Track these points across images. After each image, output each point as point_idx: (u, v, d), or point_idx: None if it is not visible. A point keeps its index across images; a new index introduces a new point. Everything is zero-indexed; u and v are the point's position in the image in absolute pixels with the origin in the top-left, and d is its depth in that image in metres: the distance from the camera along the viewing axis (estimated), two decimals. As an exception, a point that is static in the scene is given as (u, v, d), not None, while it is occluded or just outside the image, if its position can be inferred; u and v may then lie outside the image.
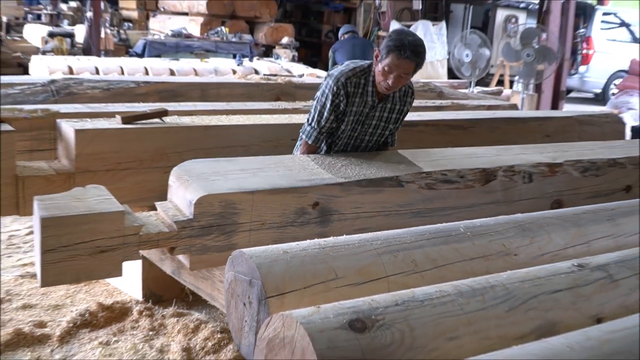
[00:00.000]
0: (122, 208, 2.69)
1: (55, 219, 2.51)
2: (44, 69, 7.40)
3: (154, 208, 3.63)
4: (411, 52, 3.22)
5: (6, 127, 3.25)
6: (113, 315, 3.72)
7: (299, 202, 2.96)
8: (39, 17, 17.37)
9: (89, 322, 3.61)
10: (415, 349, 1.81)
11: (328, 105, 3.39)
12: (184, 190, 2.87)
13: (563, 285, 2.15)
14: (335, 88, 3.36)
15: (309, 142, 3.52)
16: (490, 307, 1.99)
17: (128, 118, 3.66)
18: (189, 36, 12.66)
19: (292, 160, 3.33)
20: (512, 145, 4.15)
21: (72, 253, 2.61)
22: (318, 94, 3.49)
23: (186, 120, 3.87)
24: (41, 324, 3.56)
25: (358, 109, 3.44)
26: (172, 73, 7.68)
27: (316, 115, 3.45)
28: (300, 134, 3.61)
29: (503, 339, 1.93)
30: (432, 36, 13.23)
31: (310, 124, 3.50)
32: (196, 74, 7.81)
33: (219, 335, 3.52)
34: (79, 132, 3.39)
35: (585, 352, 1.68)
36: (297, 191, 2.95)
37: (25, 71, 9.08)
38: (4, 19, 14.51)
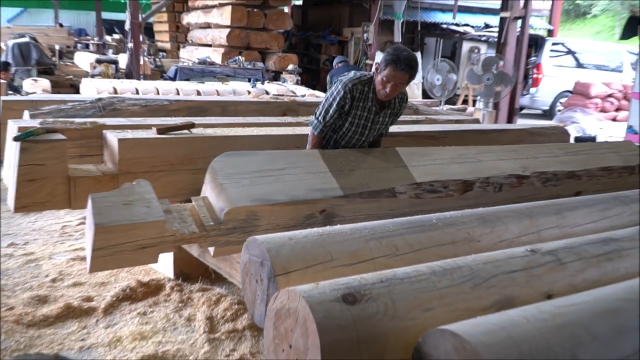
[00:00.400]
0: (163, 217, 2.68)
1: (107, 227, 2.52)
2: (93, 89, 7.38)
3: (186, 201, 3.64)
4: (405, 65, 3.22)
5: (59, 136, 3.24)
6: (149, 290, 3.71)
7: (309, 209, 2.96)
8: (87, 46, 17.36)
9: (129, 296, 3.60)
10: (397, 318, 1.80)
11: (334, 105, 3.40)
12: (217, 196, 2.87)
13: (518, 267, 2.14)
14: (342, 92, 3.37)
15: (315, 133, 3.52)
16: (458, 284, 1.98)
17: (162, 129, 3.65)
18: (212, 64, 12.62)
19: (308, 160, 3.24)
20: (493, 147, 4.08)
21: (118, 249, 2.62)
22: (327, 94, 3.51)
23: (210, 132, 3.86)
24: (88, 299, 3.55)
25: (363, 114, 3.45)
26: (198, 93, 7.64)
27: (323, 112, 3.46)
28: (309, 124, 3.61)
29: (469, 311, 1.92)
30: (410, 64, 13.19)
31: (317, 118, 3.50)
32: (218, 94, 7.78)
33: (236, 307, 3.51)
34: (121, 141, 3.37)
35: (538, 323, 1.66)
36: (309, 202, 2.96)
37: (76, 91, 9.06)
38: (57, 47, 14.48)
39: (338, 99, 3.39)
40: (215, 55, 13.47)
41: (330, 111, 3.42)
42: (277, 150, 3.92)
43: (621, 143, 4.71)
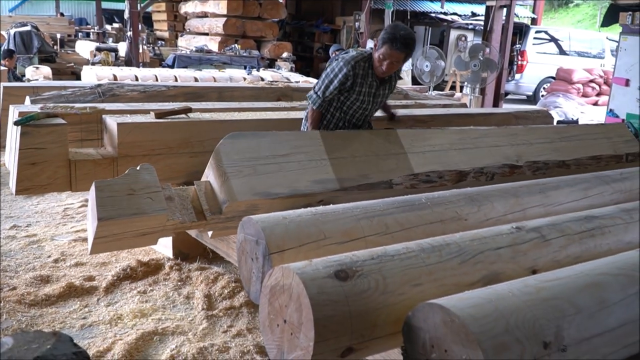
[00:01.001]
0: (166, 210, 2.64)
1: (109, 221, 2.49)
2: (93, 76, 7.30)
3: (182, 185, 3.61)
4: (401, 44, 3.15)
5: (60, 121, 3.19)
6: (149, 269, 3.69)
7: (308, 201, 2.90)
8: (88, 35, 17.20)
9: (130, 275, 3.58)
10: (387, 294, 1.78)
11: (335, 82, 3.31)
12: (220, 185, 2.81)
13: (504, 243, 2.12)
14: (345, 70, 3.27)
15: (314, 107, 3.43)
16: (446, 261, 1.96)
17: (160, 114, 3.61)
18: (209, 52, 12.52)
19: (312, 145, 3.13)
20: (492, 129, 3.97)
21: (120, 237, 2.61)
22: (328, 70, 3.40)
23: (206, 116, 3.82)
24: (90, 278, 3.53)
25: (367, 90, 3.37)
26: (196, 80, 7.58)
27: (323, 87, 3.37)
28: (308, 99, 3.52)
29: (457, 286, 1.90)
30: (400, 51, 13.11)
31: (316, 93, 3.41)
32: (215, 80, 7.72)
33: (233, 284, 3.49)
34: (120, 125, 3.33)
35: (524, 296, 1.65)
36: (308, 195, 2.90)
37: (77, 78, 8.99)
38: (58, 35, 14.33)
39: (340, 76, 3.29)
40: (212, 44, 13.37)
41: (331, 87, 3.33)
42: (271, 132, 3.92)
43: (614, 126, 4.60)
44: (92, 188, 2.56)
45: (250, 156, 2.90)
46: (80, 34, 17.65)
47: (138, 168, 2.70)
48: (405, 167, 3.30)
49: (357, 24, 13.76)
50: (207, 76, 7.87)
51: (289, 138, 3.11)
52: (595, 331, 1.68)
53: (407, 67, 12.94)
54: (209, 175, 2.92)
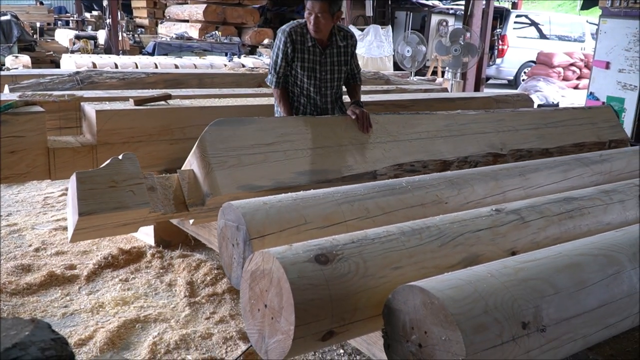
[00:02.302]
0: (148, 203, 2.61)
1: (91, 216, 2.46)
2: (72, 65, 7.18)
3: (163, 173, 3.57)
4: None
5: (38, 108, 3.14)
6: (131, 257, 3.65)
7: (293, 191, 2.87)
8: (67, 23, 16.95)
9: (111, 263, 3.54)
10: (368, 277, 1.78)
11: (279, 54, 3.25)
12: (204, 176, 2.76)
13: (484, 226, 2.13)
14: (282, 38, 3.23)
15: (273, 87, 3.35)
16: (426, 243, 1.96)
17: (139, 100, 3.56)
18: (189, 39, 12.38)
19: (298, 133, 3.07)
20: (481, 115, 3.90)
21: (101, 227, 2.59)
22: (273, 47, 3.36)
23: (186, 103, 3.77)
24: (71, 267, 3.49)
25: (308, 57, 3.28)
26: (176, 67, 7.49)
27: (272, 64, 3.31)
28: (267, 83, 3.44)
29: (437, 268, 1.90)
30: (381, 37, 13.06)
31: (270, 72, 3.35)
32: (196, 67, 7.64)
33: (215, 271, 3.47)
34: (99, 112, 3.28)
35: (502, 277, 1.65)
36: (292, 188, 2.80)
37: (57, 67, 8.85)
38: (38, 24, 14.10)
39: (280, 45, 3.24)
40: (193, 31, 13.23)
41: (278, 61, 3.27)
42: (259, 118, 3.87)
43: (600, 110, 4.59)
44: (73, 178, 2.51)
45: (236, 145, 2.85)
46: (59, 22, 17.40)
47: (121, 157, 2.64)
48: (390, 157, 3.26)
49: (338, 9, 13.67)
50: (188, 63, 7.78)
51: (275, 125, 3.07)
52: (575, 311, 1.69)
53: (389, 53, 12.95)
54: (193, 163, 2.87)
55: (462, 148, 3.54)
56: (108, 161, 2.63)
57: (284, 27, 3.27)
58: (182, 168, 2.96)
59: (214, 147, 2.80)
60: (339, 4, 3.22)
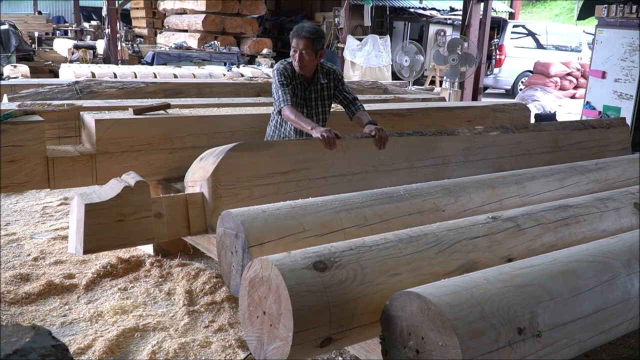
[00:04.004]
0: (153, 239, 2.67)
1: (94, 249, 2.54)
2: (71, 74, 7.22)
3: (162, 182, 3.59)
4: (305, 31, 3.25)
5: (37, 118, 3.16)
6: (130, 266, 3.66)
7: None
8: (65, 32, 17.01)
9: (110, 272, 3.55)
10: (365, 284, 1.80)
11: (283, 81, 3.30)
12: (213, 208, 2.73)
13: (481, 233, 2.15)
14: (277, 73, 3.34)
15: (288, 104, 3.22)
16: (423, 250, 1.98)
17: (139, 110, 3.59)
18: (188, 48, 12.44)
19: (314, 159, 3.00)
20: (499, 131, 3.76)
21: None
22: (273, 86, 3.39)
23: (185, 112, 3.80)
24: (70, 276, 3.49)
25: (298, 93, 3.39)
26: (175, 77, 7.53)
27: (277, 90, 3.30)
28: (277, 108, 3.35)
29: (434, 275, 1.93)
30: (380, 47, 13.12)
31: (279, 96, 3.28)
32: (194, 77, 7.67)
33: (214, 280, 3.48)
34: (98, 122, 3.31)
35: (498, 283, 1.67)
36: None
37: (56, 76, 8.88)
38: (36, 33, 14.15)
39: (278, 78, 3.31)
40: (192, 40, 13.29)
41: (283, 85, 3.28)
42: (250, 128, 3.87)
43: (617, 129, 4.51)
44: (81, 205, 2.50)
45: (250, 174, 2.81)
46: (58, 32, 17.45)
47: (133, 185, 2.59)
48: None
49: (336, 19, 13.75)
50: (187, 73, 7.83)
51: (294, 150, 2.98)
52: (570, 317, 1.71)
53: (387, 62, 13.01)
54: (204, 186, 2.79)
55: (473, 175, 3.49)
56: (121, 190, 2.58)
57: (276, 66, 3.43)
58: (190, 185, 2.91)
59: (228, 178, 2.76)
60: (322, 42, 3.36)
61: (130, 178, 2.66)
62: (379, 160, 3.24)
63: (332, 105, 3.57)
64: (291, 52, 3.33)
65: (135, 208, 2.60)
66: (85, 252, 2.48)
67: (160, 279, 3.54)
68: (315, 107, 3.50)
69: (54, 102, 3.68)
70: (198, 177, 2.86)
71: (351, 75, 12.64)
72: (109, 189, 2.65)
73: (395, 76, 11.13)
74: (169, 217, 2.75)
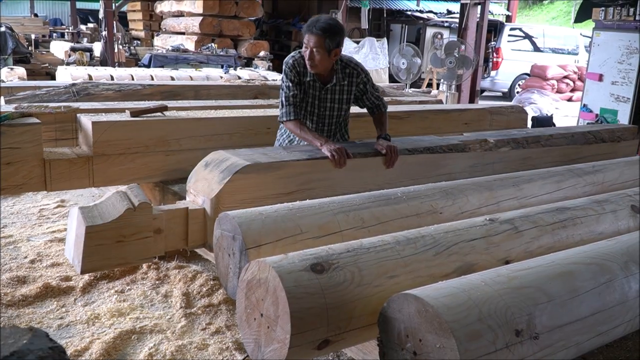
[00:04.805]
0: (153, 258, 2.73)
1: (96, 268, 2.60)
2: (68, 77, 7.21)
3: (159, 184, 3.58)
4: (318, 28, 3.00)
5: (34, 120, 3.16)
6: (127, 269, 3.64)
7: None
8: (62, 35, 17.00)
9: (107, 275, 3.54)
10: (363, 286, 1.80)
11: (289, 84, 3.16)
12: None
13: (478, 235, 2.16)
14: (287, 69, 3.16)
15: (291, 118, 3.14)
16: (421, 252, 1.99)
17: (136, 112, 3.58)
18: (185, 51, 12.45)
19: (321, 179, 2.95)
20: (509, 147, 3.67)
21: None
22: (280, 83, 3.27)
23: (182, 114, 3.80)
24: (67, 279, 3.48)
25: (313, 93, 3.21)
26: (172, 79, 7.53)
27: (284, 96, 3.19)
28: (279, 118, 3.26)
29: (432, 277, 1.93)
30: (377, 49, 13.15)
31: (284, 106, 3.19)
32: (192, 79, 7.68)
33: (211, 282, 3.48)
34: (95, 124, 3.31)
35: (496, 285, 1.68)
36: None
37: (52, 79, 8.87)
38: (33, 36, 14.14)
39: (288, 74, 3.15)
40: (189, 43, 13.30)
41: (291, 89, 3.16)
42: (247, 131, 3.83)
43: (627, 142, 4.47)
44: (81, 221, 2.47)
45: (254, 196, 2.74)
46: (54, 34, 17.45)
47: (137, 205, 2.55)
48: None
49: (334, 22, 13.76)
50: (184, 75, 7.82)
51: (302, 170, 2.91)
52: (568, 319, 1.72)
53: (384, 65, 13.03)
54: (206, 202, 2.74)
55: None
56: (123, 210, 2.52)
57: (286, 58, 3.20)
58: (192, 192, 2.86)
59: (232, 199, 2.71)
60: (337, 39, 3.07)
61: (134, 196, 2.61)
62: (385, 178, 3.19)
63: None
64: (302, 48, 3.10)
65: (136, 229, 2.57)
66: (82, 272, 2.49)
67: (157, 282, 3.53)
68: (330, 110, 3.30)
69: (51, 105, 3.67)
70: (201, 189, 2.81)
71: (348, 78, 12.65)
72: (111, 207, 2.59)
73: (392, 79, 11.16)
74: (168, 231, 2.72)
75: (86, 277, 3.48)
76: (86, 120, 3.35)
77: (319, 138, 3.05)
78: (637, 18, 6.82)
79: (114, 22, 11.07)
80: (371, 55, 13.05)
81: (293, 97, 3.17)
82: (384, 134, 3.29)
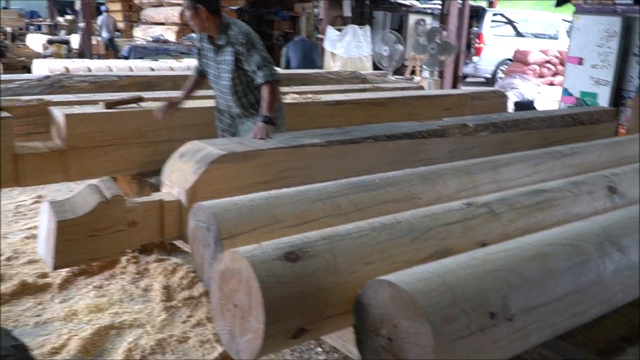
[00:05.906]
0: (125, 251, 2.67)
1: (69, 263, 2.59)
2: (45, 70, 7.08)
3: (136, 177, 3.54)
4: None
5: (4, 114, 3.10)
6: (105, 263, 3.61)
7: None
8: (39, 27, 16.80)
9: (85, 270, 3.51)
10: (338, 273, 1.79)
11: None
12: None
13: (455, 219, 2.15)
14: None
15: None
16: (397, 238, 1.97)
17: (110, 103, 3.54)
18: (166, 41, 12.33)
19: (300, 167, 2.97)
20: (488, 132, 3.72)
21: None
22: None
23: (159, 105, 3.75)
24: (43, 275, 3.43)
25: (206, 54, 3.46)
26: (152, 70, 7.44)
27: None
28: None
29: (408, 263, 1.92)
30: (360, 37, 13.09)
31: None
32: (172, 70, 7.59)
33: (192, 275, 3.46)
34: (68, 116, 3.26)
35: (471, 269, 1.67)
36: None
37: (29, 72, 8.74)
38: (9, 29, 13.94)
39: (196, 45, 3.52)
40: (169, 34, 13.18)
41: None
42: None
43: (606, 125, 4.54)
44: (52, 215, 2.43)
45: (231, 186, 2.72)
46: (31, 27, 17.21)
47: (109, 197, 2.52)
48: None
49: (316, 10, 13.72)
50: (164, 66, 7.74)
51: (279, 159, 2.91)
52: (543, 300, 1.72)
53: (368, 53, 12.99)
54: (181, 194, 2.71)
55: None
56: (96, 204, 2.49)
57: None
58: (167, 183, 2.84)
59: (207, 190, 2.68)
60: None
61: (106, 189, 2.57)
62: (363, 165, 3.18)
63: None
64: None
65: (109, 222, 2.53)
66: (55, 269, 2.46)
67: (136, 276, 3.50)
68: (219, 71, 3.40)
69: (23, 98, 3.61)
70: (176, 180, 2.79)
71: (332, 66, 12.59)
72: (82, 200, 2.56)
73: (376, 66, 11.12)
74: (143, 223, 2.68)
75: (64, 273, 3.44)
76: (59, 113, 3.31)
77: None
78: (616, 1, 6.83)
79: (92, 13, 10.94)
80: (354, 43, 12.99)
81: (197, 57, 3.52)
82: (262, 115, 3.21)
